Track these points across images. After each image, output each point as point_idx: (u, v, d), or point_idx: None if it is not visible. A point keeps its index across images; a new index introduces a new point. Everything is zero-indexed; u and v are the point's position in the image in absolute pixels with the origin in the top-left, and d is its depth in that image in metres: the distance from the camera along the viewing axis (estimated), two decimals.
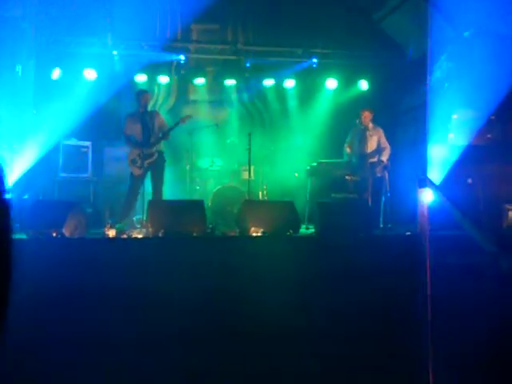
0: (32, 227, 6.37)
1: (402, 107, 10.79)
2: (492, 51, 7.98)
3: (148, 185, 8.40)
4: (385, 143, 9.05)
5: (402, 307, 5.68)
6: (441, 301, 5.15)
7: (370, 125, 9.05)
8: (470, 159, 8.21)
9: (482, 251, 5.56)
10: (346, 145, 9.32)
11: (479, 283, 5.49)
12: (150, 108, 8.92)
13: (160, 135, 8.32)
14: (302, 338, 5.53)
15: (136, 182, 8.29)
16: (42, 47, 9.26)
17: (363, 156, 8.94)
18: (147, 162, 8.19)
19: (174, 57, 10.43)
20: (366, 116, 9.00)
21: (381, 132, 9.11)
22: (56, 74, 9.76)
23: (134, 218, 8.70)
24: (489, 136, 8.55)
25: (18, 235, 6.37)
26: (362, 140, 8.98)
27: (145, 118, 8.36)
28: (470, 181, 8.34)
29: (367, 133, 8.97)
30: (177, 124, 8.39)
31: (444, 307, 5.20)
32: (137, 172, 8.22)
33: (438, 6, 8.62)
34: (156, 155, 8.25)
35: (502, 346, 5.09)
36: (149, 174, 8.36)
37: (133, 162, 8.24)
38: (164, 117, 8.94)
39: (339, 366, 5.38)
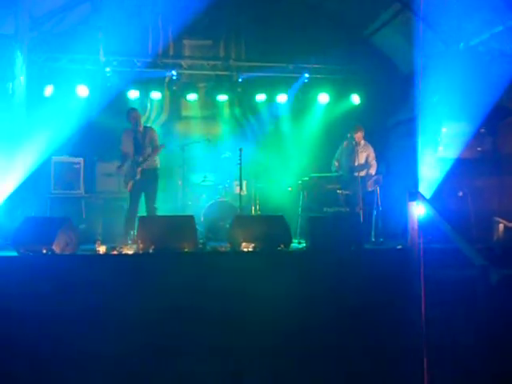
0: (22, 244, 6.34)
1: (392, 121, 10.84)
2: (481, 64, 8.03)
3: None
4: (373, 160, 9.20)
5: (394, 320, 5.68)
6: (431, 313, 5.17)
7: (362, 141, 9.23)
8: (460, 172, 8.24)
9: (472, 264, 5.56)
10: (334, 159, 9.48)
11: (469, 296, 5.48)
12: (143, 124, 8.88)
13: (145, 156, 8.33)
14: (292, 354, 5.52)
15: (130, 197, 8.37)
16: (35, 64, 9.29)
17: (351, 169, 9.05)
18: (133, 179, 8.25)
19: (166, 73, 10.50)
20: (359, 136, 9.16)
21: (371, 149, 9.27)
22: (49, 90, 9.84)
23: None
24: (479, 149, 8.59)
25: (9, 252, 6.37)
26: (352, 154, 9.14)
27: (137, 135, 8.41)
28: (460, 194, 8.35)
29: (357, 148, 9.11)
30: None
31: (435, 319, 5.21)
32: (128, 188, 8.32)
33: (428, 20, 8.68)
34: (140, 173, 8.26)
35: (490, 357, 5.10)
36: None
37: (125, 178, 8.36)
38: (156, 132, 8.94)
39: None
